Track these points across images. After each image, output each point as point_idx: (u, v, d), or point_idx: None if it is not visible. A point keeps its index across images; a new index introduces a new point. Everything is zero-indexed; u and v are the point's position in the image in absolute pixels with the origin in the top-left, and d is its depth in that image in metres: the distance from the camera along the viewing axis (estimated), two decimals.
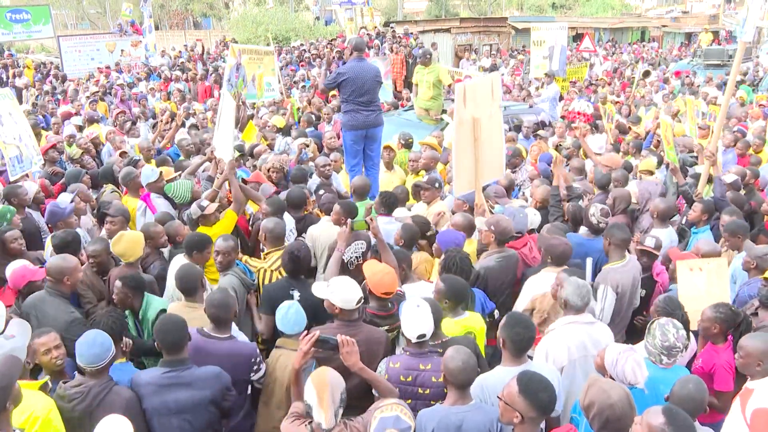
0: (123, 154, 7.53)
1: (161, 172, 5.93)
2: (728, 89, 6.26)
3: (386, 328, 3.80)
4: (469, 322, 3.82)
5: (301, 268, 4.26)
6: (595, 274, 4.60)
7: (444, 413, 2.96)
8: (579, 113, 9.76)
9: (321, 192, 5.49)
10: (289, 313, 3.56)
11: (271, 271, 4.54)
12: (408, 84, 15.11)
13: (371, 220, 4.35)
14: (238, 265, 4.38)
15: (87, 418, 3.14)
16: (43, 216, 5.77)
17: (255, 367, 3.56)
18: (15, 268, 4.24)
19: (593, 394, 2.73)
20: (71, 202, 5.37)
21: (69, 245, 4.56)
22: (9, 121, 6.23)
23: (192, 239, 4.49)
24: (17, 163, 6.17)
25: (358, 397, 3.19)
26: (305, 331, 3.24)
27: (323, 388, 2.72)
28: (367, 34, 20.69)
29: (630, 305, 4.48)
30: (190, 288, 4.00)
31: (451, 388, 3.02)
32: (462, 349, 3.03)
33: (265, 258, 4.68)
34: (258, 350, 3.63)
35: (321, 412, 2.71)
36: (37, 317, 3.86)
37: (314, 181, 6.50)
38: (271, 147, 8.23)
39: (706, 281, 4.17)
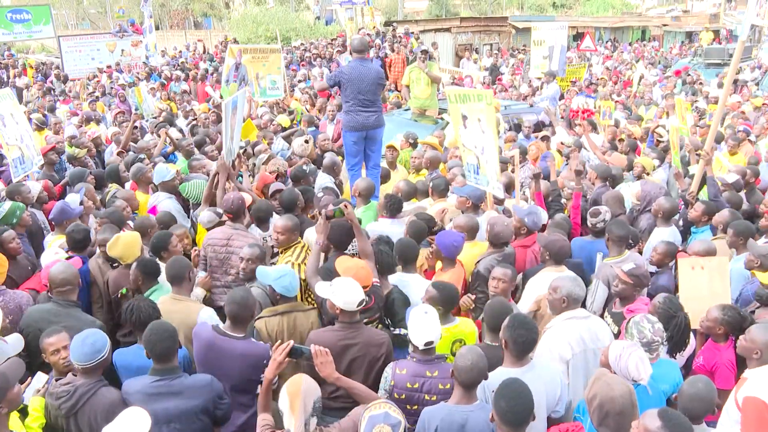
0: (121, 154, 7.58)
1: (177, 172, 5.94)
2: (725, 88, 6.24)
3: (366, 320, 3.79)
4: (460, 329, 3.79)
5: None
6: None
7: (448, 411, 2.97)
8: (581, 110, 9.76)
9: (321, 194, 5.46)
10: (294, 279, 3.84)
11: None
12: None
13: (345, 206, 4.29)
14: None
15: (72, 418, 3.14)
16: (45, 215, 5.78)
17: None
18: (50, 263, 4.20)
19: (597, 387, 2.75)
20: (80, 202, 5.36)
21: (82, 241, 4.68)
22: (11, 123, 6.24)
23: (153, 242, 4.50)
24: (19, 164, 6.18)
25: (346, 404, 3.20)
26: (279, 341, 3.20)
27: (296, 395, 2.72)
28: (367, 34, 20.70)
29: None
30: (178, 276, 3.97)
31: (457, 387, 3.03)
32: (474, 349, 3.04)
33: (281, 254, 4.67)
34: (270, 352, 3.57)
35: (291, 419, 2.71)
36: None
37: (323, 180, 6.52)
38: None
39: (707, 280, 4.15)
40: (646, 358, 3.09)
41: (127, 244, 4.40)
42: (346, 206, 4.27)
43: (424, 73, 9.63)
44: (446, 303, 3.74)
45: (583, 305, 3.95)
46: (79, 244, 4.69)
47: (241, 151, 7.09)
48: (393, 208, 5.21)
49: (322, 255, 4.43)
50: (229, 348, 3.44)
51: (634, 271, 4.01)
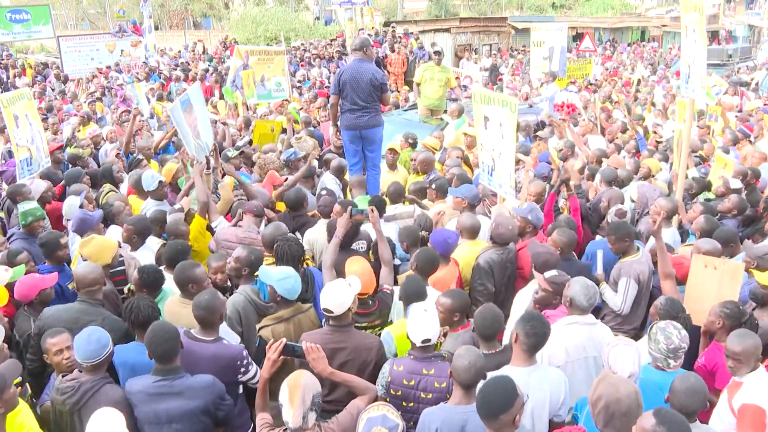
0: (119, 155, 7.58)
1: (160, 181, 5.86)
2: (684, 149, 5.98)
3: (365, 324, 3.83)
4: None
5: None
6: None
7: (448, 412, 2.97)
8: (566, 105, 9.78)
9: (324, 192, 5.53)
10: (298, 282, 3.80)
11: None
12: (408, 83, 15.13)
13: (372, 210, 4.37)
14: (254, 284, 4.22)
15: (76, 413, 3.17)
16: (48, 215, 5.78)
17: (242, 369, 3.53)
18: (20, 279, 4.08)
19: (602, 389, 2.74)
20: (80, 205, 5.36)
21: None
22: (24, 123, 6.29)
23: (169, 253, 4.43)
24: (26, 165, 6.21)
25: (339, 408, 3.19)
26: (273, 340, 3.22)
27: (295, 388, 2.76)
28: (368, 35, 20.70)
29: (647, 294, 4.53)
30: (181, 284, 3.96)
31: (456, 387, 3.03)
32: (472, 349, 3.05)
33: None
34: (245, 352, 3.58)
35: (290, 411, 2.75)
36: None
37: (327, 181, 6.58)
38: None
39: (718, 281, 4.10)
40: (632, 357, 3.05)
41: (99, 246, 4.31)
42: (372, 210, 4.37)
43: (438, 74, 9.65)
44: (410, 297, 3.79)
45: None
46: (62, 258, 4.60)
47: (239, 153, 7.13)
48: (376, 207, 5.24)
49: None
50: (200, 351, 3.44)
51: (555, 279, 3.91)
